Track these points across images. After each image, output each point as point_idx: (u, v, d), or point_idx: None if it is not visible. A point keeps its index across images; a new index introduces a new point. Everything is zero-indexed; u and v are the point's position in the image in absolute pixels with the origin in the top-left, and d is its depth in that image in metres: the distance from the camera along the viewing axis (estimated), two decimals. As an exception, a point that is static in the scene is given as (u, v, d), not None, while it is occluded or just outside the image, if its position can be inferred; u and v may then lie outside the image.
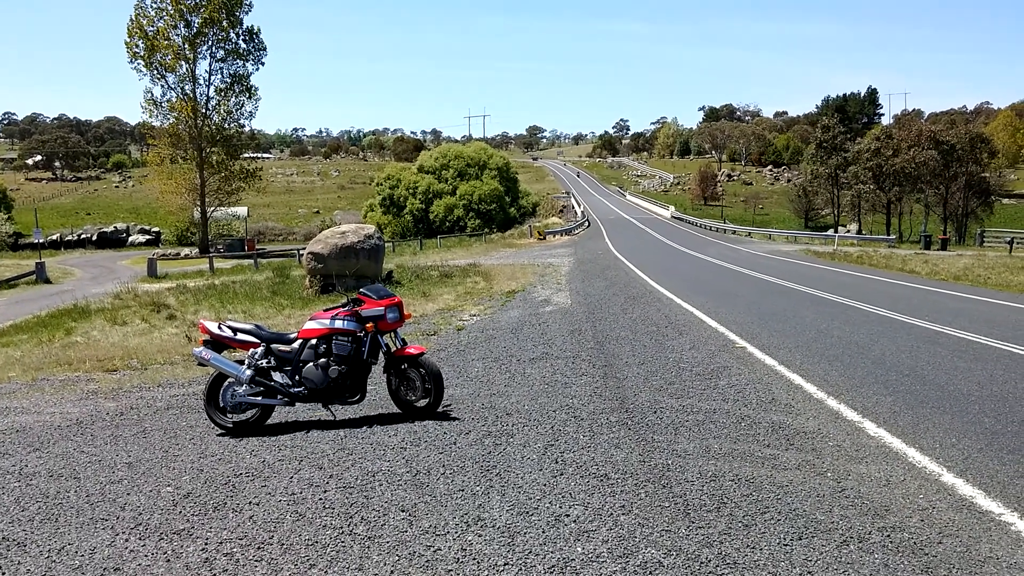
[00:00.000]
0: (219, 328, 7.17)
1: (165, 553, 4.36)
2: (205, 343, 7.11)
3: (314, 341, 7.12)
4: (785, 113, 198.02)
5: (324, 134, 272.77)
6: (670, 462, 5.62)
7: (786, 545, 4.21)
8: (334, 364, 7.00)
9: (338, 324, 7.09)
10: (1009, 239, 43.92)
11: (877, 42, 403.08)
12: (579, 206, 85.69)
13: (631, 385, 8.21)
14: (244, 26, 54.58)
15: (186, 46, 52.66)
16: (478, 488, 5.18)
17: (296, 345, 7.19)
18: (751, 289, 19.47)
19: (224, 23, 53.53)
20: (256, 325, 7.38)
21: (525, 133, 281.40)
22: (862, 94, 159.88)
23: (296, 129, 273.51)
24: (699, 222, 71.15)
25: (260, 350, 7.13)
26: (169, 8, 51.39)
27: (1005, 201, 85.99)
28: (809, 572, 3.91)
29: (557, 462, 5.68)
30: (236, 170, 55.52)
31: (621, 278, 22.14)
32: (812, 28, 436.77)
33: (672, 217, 79.33)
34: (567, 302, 16.19)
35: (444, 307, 15.90)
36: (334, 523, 4.68)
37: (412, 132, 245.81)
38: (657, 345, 10.70)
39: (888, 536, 4.32)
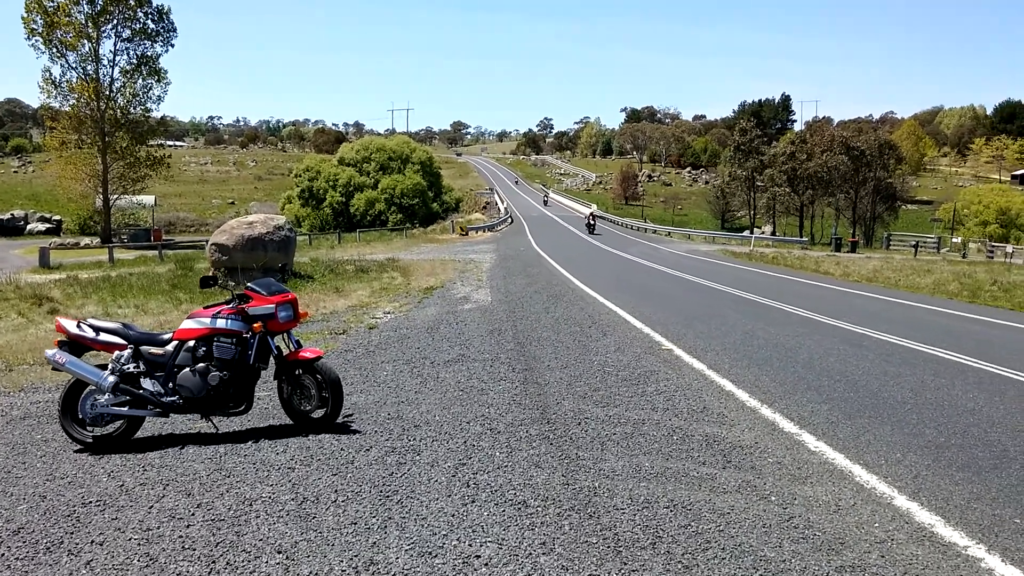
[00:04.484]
0: (78, 327, 6.17)
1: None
2: (61, 344, 6.11)
3: (192, 343, 6.19)
4: (704, 116, 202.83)
5: (242, 123, 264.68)
6: (597, 485, 4.95)
7: (732, 590, 3.59)
8: (215, 369, 6.08)
9: (220, 324, 6.18)
10: (914, 243, 45.53)
11: (790, 52, 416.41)
12: (502, 203, 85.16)
13: (553, 392, 7.54)
14: (153, 5, 51.78)
15: (89, 24, 49.60)
16: (374, 520, 4.40)
17: (171, 347, 6.24)
18: (674, 288, 19.18)
19: (131, 1, 50.71)
20: (123, 324, 6.39)
21: (449, 128, 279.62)
22: (776, 100, 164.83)
23: (212, 117, 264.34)
24: (620, 221, 71.54)
25: (127, 353, 6.16)
26: (71, -18, 48.34)
27: (908, 207, 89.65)
28: (762, 627, 3.29)
29: (469, 485, 4.94)
30: (142, 156, 52.58)
31: (543, 275, 21.57)
32: (730, 36, 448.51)
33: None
34: (487, 299, 15.48)
35: (357, 303, 14.97)
36: (191, 570, 3.82)
37: (334, 124, 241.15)
38: (581, 347, 10.09)
39: (845, 576, 3.75)
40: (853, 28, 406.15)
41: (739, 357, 9.58)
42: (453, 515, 4.46)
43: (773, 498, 4.74)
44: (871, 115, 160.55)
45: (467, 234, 50.38)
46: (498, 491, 4.83)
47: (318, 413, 6.38)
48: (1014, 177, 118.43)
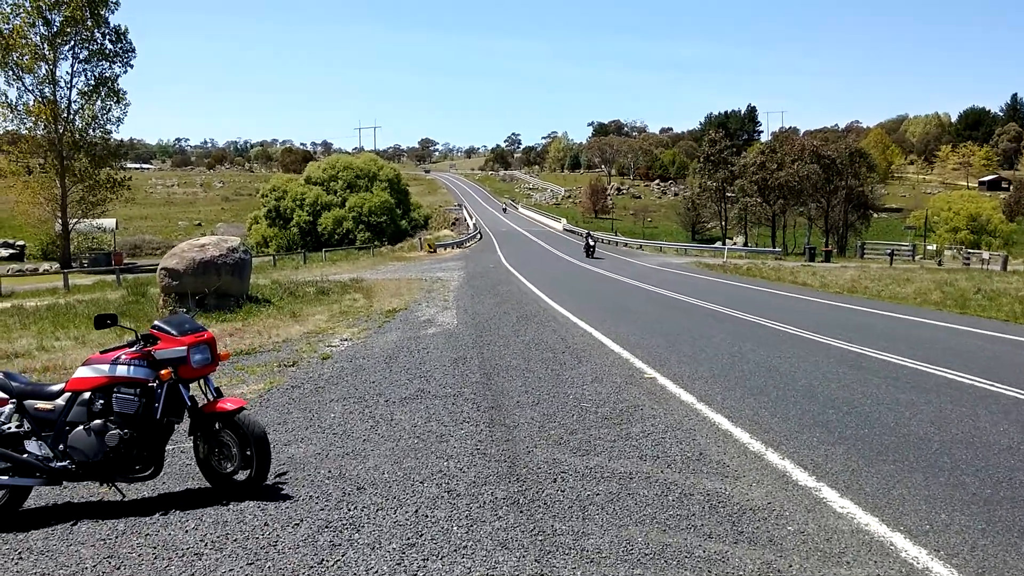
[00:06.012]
0: (-56, 381, 5.06)
1: None
2: (-77, 403, 4.99)
3: (87, 395, 5.10)
4: (671, 129, 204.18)
5: (209, 145, 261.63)
6: (579, 574, 3.92)
7: None
8: (114, 427, 5.00)
9: (121, 371, 5.10)
10: (890, 251, 45.25)
11: (754, 64, 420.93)
12: (471, 218, 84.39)
13: (524, 437, 6.50)
14: (111, 25, 50.37)
15: (46, 45, 48.09)
16: (287, 641, 3.34)
17: (62, 401, 5.14)
18: (650, 304, 18.25)
19: (88, 22, 49.25)
20: (4, 373, 5.29)
21: (417, 146, 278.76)
22: (742, 112, 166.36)
23: (179, 139, 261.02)
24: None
25: (8, 409, 5.08)
26: (27, 5, 46.78)
27: (879, 215, 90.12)
28: None
29: (416, 579, 3.89)
30: (102, 179, 50.97)
31: (513, 294, 20.56)
32: (694, 50, 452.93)
33: (564, 229, 78.88)
34: (453, 322, 14.43)
35: (313, 329, 13.85)
36: None
37: (301, 143, 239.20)
38: (554, 377, 9.07)
39: None
40: (816, 39, 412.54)
41: (731, 385, 8.62)
42: (392, 630, 3.41)
43: (804, 588, 3.74)
44: (837, 124, 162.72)
45: (435, 251, 49.29)
46: (453, 587, 3.79)
47: (242, 475, 5.30)
48: (982, 183, 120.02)
